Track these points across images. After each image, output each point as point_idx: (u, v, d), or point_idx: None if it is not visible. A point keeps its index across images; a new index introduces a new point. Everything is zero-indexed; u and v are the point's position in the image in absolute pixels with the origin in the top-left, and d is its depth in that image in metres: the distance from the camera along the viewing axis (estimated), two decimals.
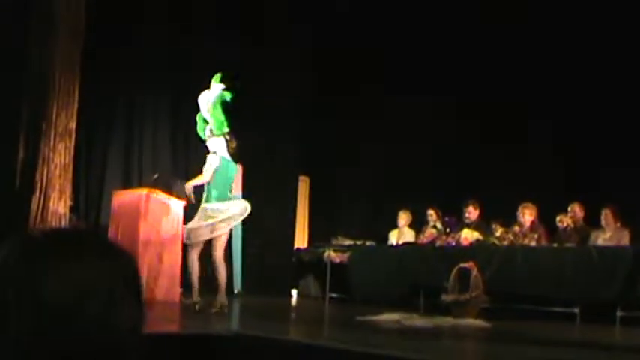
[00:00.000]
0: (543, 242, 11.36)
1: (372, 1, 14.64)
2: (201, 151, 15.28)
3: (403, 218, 13.64)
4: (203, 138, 10.32)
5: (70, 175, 10.62)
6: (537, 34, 12.95)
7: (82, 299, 1.27)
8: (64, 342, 1.26)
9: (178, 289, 11.38)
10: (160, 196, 11.41)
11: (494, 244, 11.60)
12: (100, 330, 1.28)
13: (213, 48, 13.85)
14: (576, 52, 12.60)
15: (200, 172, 10.11)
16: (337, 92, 15.05)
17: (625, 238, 11.03)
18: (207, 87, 10.27)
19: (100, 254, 1.35)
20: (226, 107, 10.21)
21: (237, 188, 13.62)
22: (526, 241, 11.40)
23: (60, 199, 10.36)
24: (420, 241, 13.07)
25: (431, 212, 13.21)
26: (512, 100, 13.25)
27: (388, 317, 9.28)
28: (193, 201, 10.10)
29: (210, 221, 9.79)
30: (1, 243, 1.39)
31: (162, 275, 11.01)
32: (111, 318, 1.29)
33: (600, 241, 10.99)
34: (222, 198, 9.90)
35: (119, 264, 1.36)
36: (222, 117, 10.11)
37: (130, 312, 1.33)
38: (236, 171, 10.52)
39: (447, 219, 12.81)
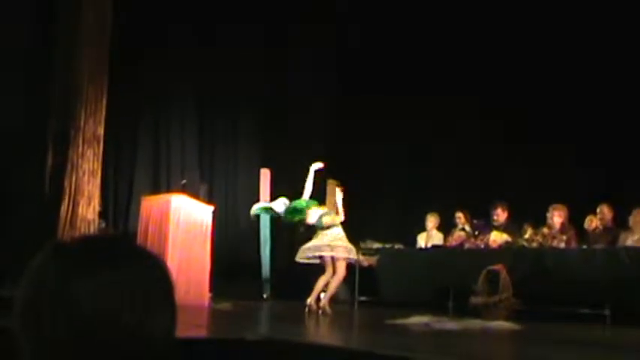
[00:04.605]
0: (573, 244, 11.27)
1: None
2: (228, 154, 15.37)
3: (431, 221, 13.57)
4: None
5: (98, 181, 10.69)
6: (562, 35, 12.87)
7: (117, 307, 1.27)
8: (97, 349, 1.26)
9: (207, 294, 11.39)
10: (188, 200, 11.45)
11: (523, 246, 11.54)
12: (134, 337, 1.28)
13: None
14: (602, 53, 12.50)
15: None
16: (362, 92, 15.02)
17: None
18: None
19: (132, 260, 1.35)
20: None
21: (264, 193, 13.68)
22: (555, 243, 11.32)
23: (89, 205, 10.42)
24: (448, 244, 13.02)
25: (459, 215, 13.14)
26: (538, 100, 13.16)
27: (417, 320, 9.25)
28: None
29: None
30: (31, 249, 1.40)
31: (191, 280, 11.04)
32: (145, 325, 1.30)
33: (630, 242, 10.88)
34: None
35: (151, 270, 1.36)
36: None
37: (163, 318, 1.33)
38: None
39: (475, 221, 12.75)
